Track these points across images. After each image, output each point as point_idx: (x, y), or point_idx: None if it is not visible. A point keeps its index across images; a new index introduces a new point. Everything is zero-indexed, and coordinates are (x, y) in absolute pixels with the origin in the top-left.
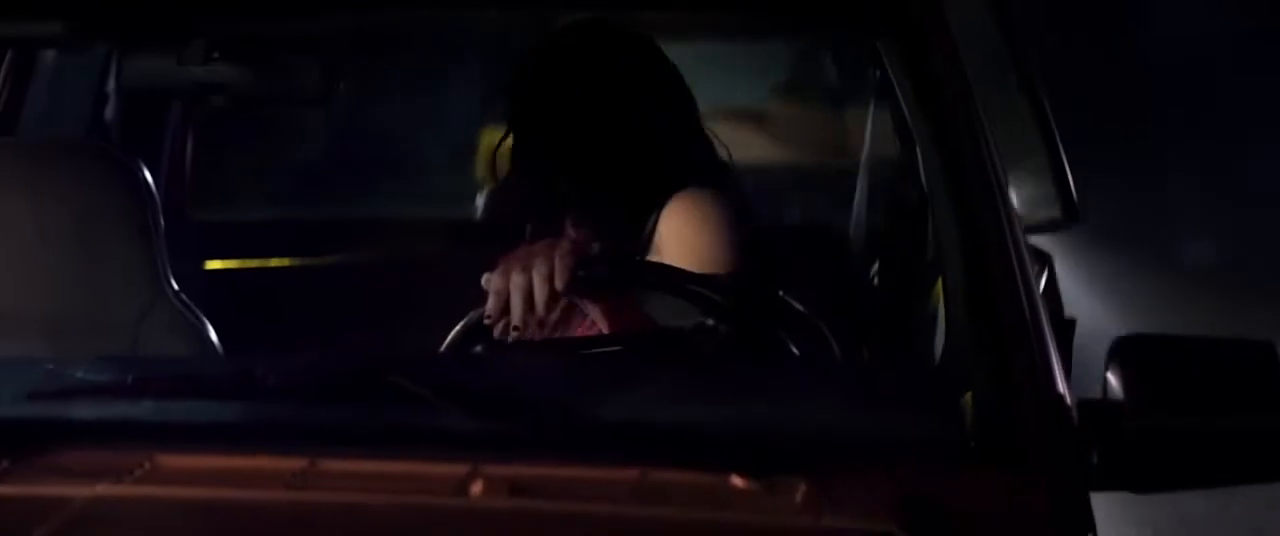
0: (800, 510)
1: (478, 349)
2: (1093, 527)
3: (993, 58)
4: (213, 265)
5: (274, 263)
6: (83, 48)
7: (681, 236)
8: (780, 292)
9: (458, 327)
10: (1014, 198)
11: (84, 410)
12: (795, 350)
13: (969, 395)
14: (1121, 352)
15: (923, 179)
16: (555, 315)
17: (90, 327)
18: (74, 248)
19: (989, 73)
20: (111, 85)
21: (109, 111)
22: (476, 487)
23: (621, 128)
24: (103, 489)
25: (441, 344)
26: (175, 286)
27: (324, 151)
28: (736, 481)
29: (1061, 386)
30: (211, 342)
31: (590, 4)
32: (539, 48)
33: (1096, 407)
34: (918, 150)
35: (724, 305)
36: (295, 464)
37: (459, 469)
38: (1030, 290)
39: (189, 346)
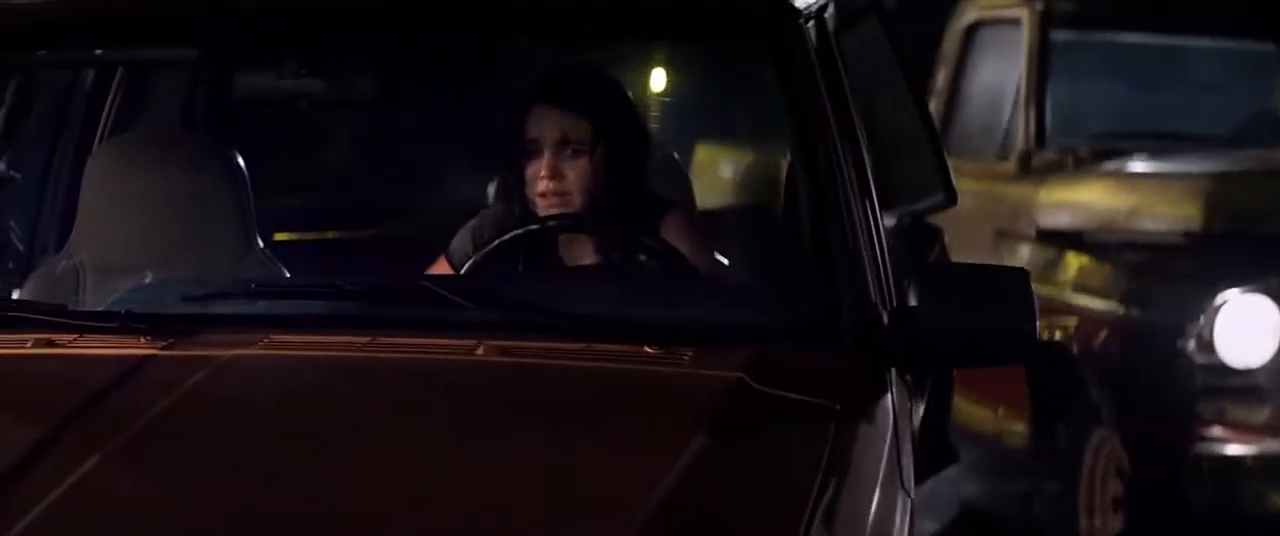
0: (686, 366)
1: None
2: (890, 390)
3: (887, 73)
4: (279, 236)
5: (328, 235)
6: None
7: (677, 241)
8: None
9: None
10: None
11: (222, 307)
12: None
13: (806, 299)
14: (921, 273)
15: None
16: None
17: (201, 271)
18: (191, 212)
19: (885, 85)
20: (198, 96)
21: (195, 117)
22: (480, 350)
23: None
24: (236, 352)
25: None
26: (261, 243)
27: (357, 153)
28: (647, 349)
29: (875, 297)
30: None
31: (494, 22)
32: (543, 83)
33: (900, 310)
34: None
35: (656, 249)
36: (362, 339)
37: (470, 341)
38: (854, 234)
39: None
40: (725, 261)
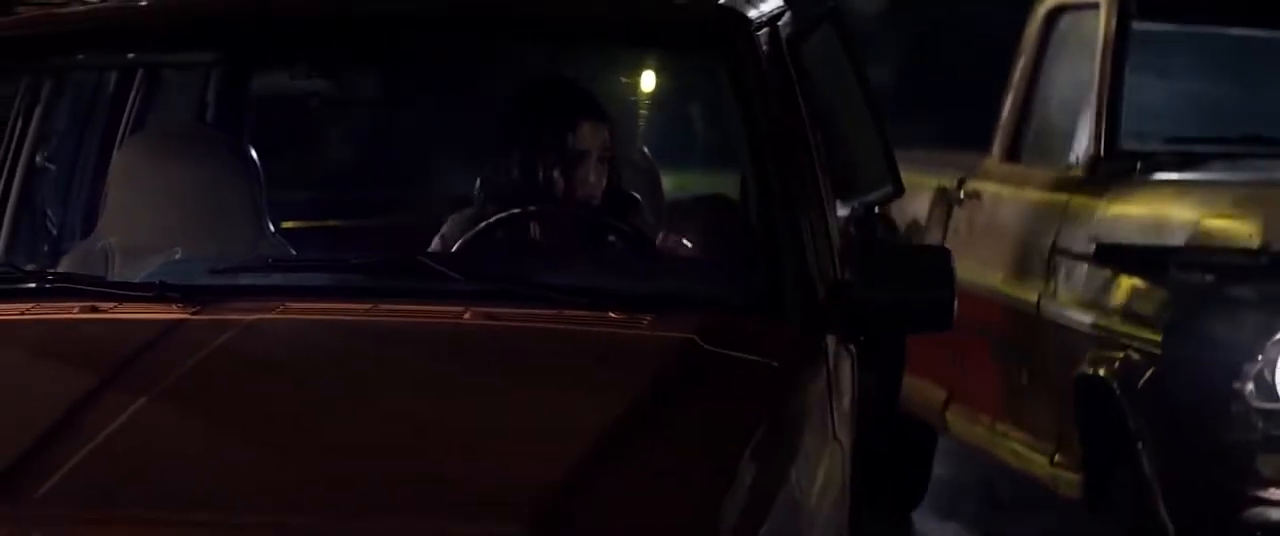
0: (645, 328)
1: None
2: (825, 353)
3: (843, 78)
4: (286, 225)
5: (329, 223)
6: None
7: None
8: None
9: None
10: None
11: (244, 279)
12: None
13: (754, 275)
14: (854, 253)
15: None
16: None
17: (222, 252)
18: (209, 201)
19: (840, 89)
20: (210, 96)
21: (208, 115)
22: (467, 316)
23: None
24: (257, 316)
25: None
26: (273, 228)
27: (356, 149)
28: (612, 314)
29: (814, 273)
30: None
31: (470, 31)
32: (531, 100)
33: (836, 284)
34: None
35: (629, 233)
36: (365, 306)
37: (458, 308)
38: (796, 220)
39: None
40: (687, 243)
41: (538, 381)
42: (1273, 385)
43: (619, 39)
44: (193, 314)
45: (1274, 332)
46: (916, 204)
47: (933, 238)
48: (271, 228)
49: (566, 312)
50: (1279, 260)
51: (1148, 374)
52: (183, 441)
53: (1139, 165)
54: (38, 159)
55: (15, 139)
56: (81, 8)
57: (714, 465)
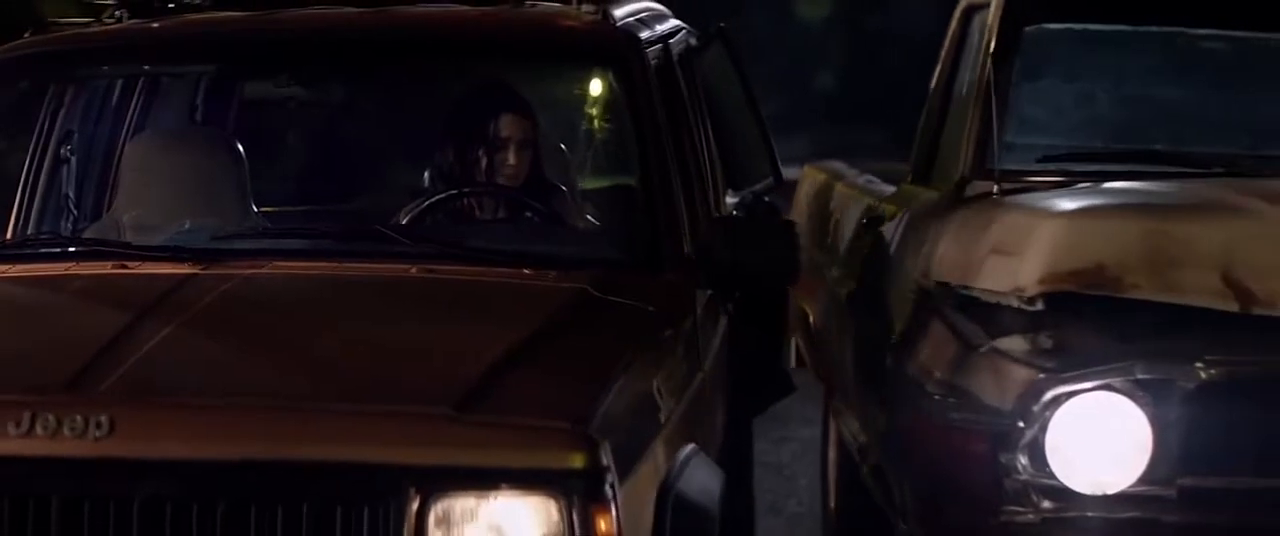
0: (551, 280)
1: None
2: (694, 309)
3: (729, 85)
4: (266, 209)
5: (301, 208)
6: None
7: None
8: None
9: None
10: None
11: (241, 244)
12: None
13: (637, 242)
14: (715, 223)
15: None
16: None
17: (217, 226)
18: (207, 185)
19: (727, 94)
20: (200, 99)
21: (197, 117)
22: (413, 271)
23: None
24: (249, 272)
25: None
26: (257, 210)
27: (323, 146)
28: (526, 271)
29: (686, 240)
30: None
31: (403, 50)
32: (467, 98)
33: (704, 248)
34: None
35: (541, 210)
36: (336, 264)
37: (408, 266)
38: (673, 200)
39: None
40: (593, 220)
41: (462, 316)
42: (1043, 456)
43: (534, 59)
44: (202, 269)
45: (1043, 392)
46: (850, 226)
47: (852, 265)
48: (255, 208)
49: (490, 269)
50: (1054, 306)
51: (914, 443)
52: (200, 354)
53: (996, 190)
54: (62, 151)
55: (43, 135)
56: (101, 28)
57: (592, 372)
